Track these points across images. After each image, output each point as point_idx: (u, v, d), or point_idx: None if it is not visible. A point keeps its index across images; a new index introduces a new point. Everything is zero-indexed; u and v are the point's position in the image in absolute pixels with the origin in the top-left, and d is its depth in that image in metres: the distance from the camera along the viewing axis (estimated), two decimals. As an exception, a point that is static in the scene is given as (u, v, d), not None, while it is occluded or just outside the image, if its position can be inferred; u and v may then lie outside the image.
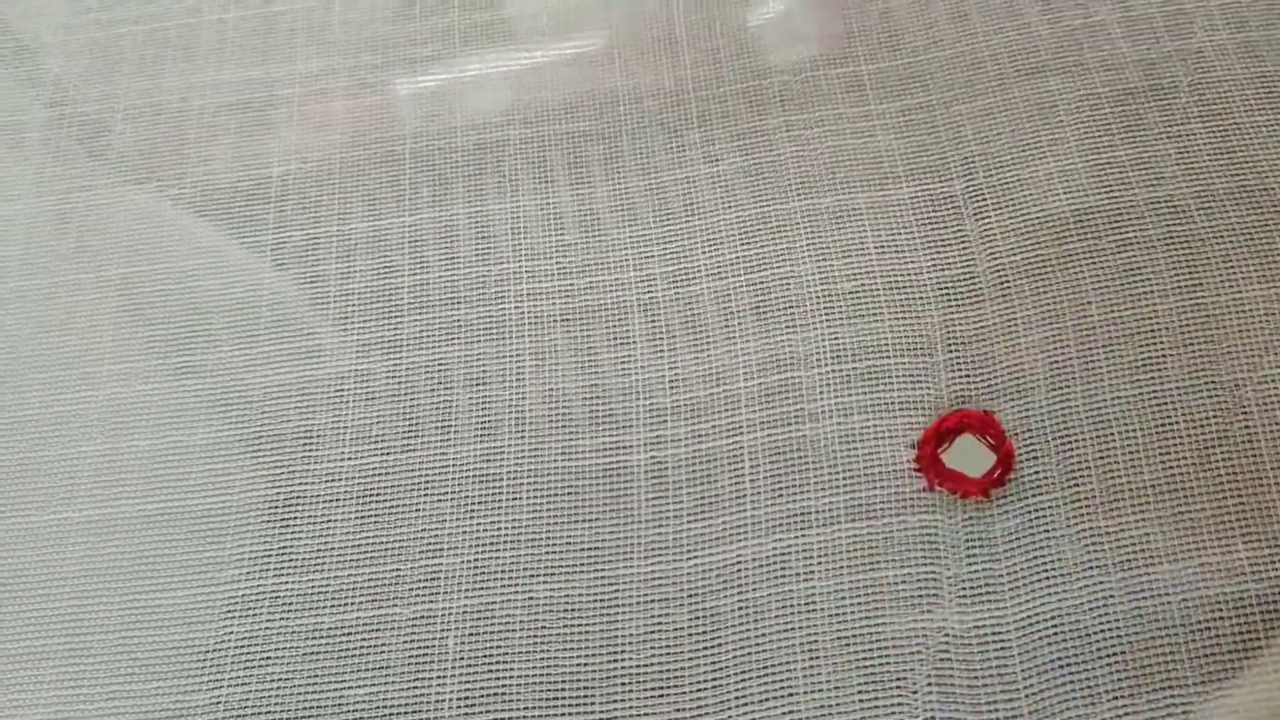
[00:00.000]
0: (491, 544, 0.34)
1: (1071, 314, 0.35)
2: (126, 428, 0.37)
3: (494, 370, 0.37)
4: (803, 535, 0.33)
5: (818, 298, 0.36)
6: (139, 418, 0.37)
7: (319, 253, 0.39)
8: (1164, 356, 0.34)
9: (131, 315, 0.39)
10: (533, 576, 0.33)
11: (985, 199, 0.37)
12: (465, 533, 0.34)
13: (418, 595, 0.34)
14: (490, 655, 0.33)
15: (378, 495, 0.35)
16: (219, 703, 0.33)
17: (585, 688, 0.32)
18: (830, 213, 0.38)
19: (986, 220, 0.37)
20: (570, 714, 0.32)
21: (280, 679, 0.33)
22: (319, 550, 0.34)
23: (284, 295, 0.39)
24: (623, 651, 0.32)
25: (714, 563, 0.33)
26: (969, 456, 0.34)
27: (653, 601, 0.33)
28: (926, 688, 0.31)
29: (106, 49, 0.44)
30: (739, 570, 0.33)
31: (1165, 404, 0.33)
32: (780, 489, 0.34)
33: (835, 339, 0.36)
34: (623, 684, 0.32)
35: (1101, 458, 0.33)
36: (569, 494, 0.35)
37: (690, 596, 0.33)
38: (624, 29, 0.42)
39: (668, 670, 0.32)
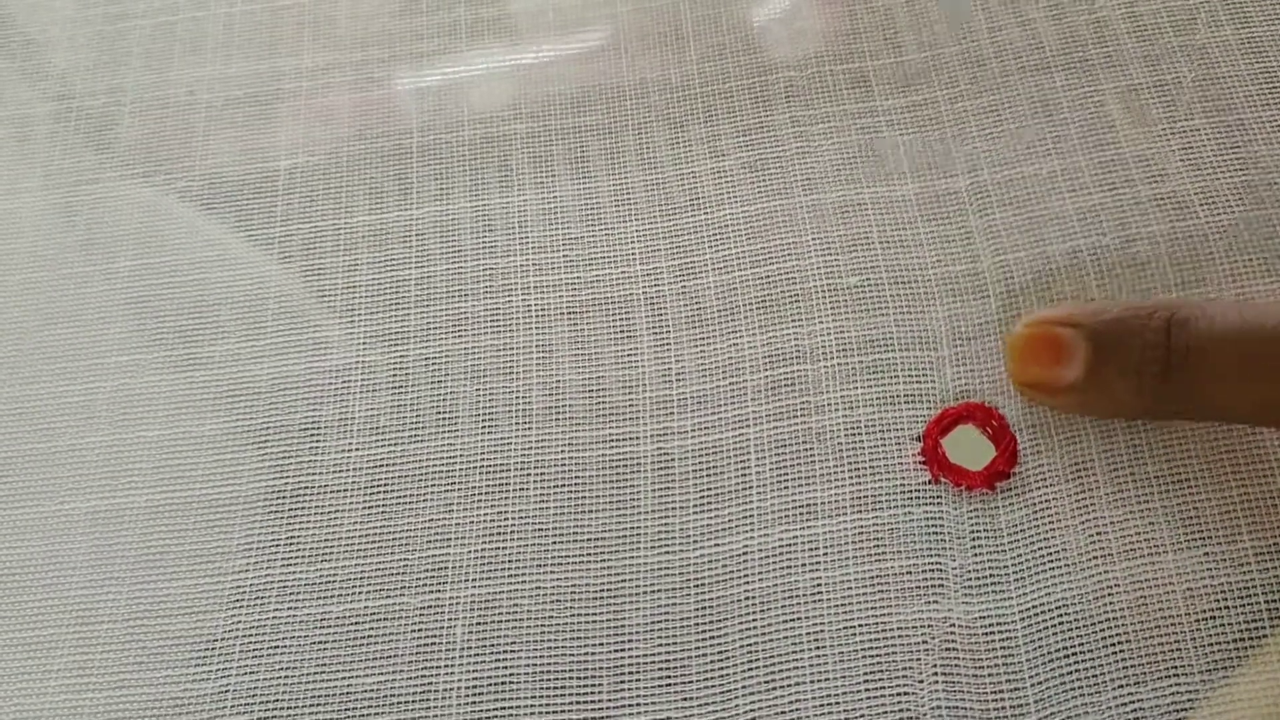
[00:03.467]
0: (498, 534, 0.34)
1: (1076, 308, 0.35)
2: (134, 419, 0.37)
3: (499, 363, 0.37)
4: (808, 526, 0.33)
5: (823, 292, 0.37)
6: (146, 409, 0.37)
7: (325, 246, 0.40)
8: (1168, 350, 0.34)
9: (138, 307, 0.39)
10: (540, 567, 0.34)
11: (990, 195, 0.38)
12: (472, 523, 0.34)
13: (425, 585, 0.34)
14: (497, 645, 0.33)
15: (384, 486, 0.35)
16: (226, 692, 0.33)
17: (591, 677, 0.32)
18: (835, 208, 0.38)
19: (991, 216, 0.37)
20: (576, 703, 0.32)
21: (287, 668, 0.33)
22: (326, 540, 0.35)
23: (290, 288, 0.39)
24: (629, 641, 0.32)
25: (720, 553, 0.33)
26: (974, 449, 0.34)
27: (659, 591, 0.33)
28: (932, 677, 0.31)
29: (113, 43, 0.45)
30: (745, 561, 0.33)
31: (1169, 396, 0.34)
32: (786, 481, 0.34)
33: (840, 333, 0.36)
34: (629, 673, 0.32)
35: (1106, 450, 0.33)
36: (575, 485, 0.35)
37: (696, 587, 0.33)
38: (630, 23, 0.43)
39: (673, 660, 0.32)
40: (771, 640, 0.32)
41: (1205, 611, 0.31)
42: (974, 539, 0.33)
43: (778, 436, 0.35)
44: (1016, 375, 0.33)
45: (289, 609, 0.34)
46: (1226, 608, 0.31)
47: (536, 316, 0.37)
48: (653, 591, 0.33)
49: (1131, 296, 0.35)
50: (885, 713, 0.31)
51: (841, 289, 0.37)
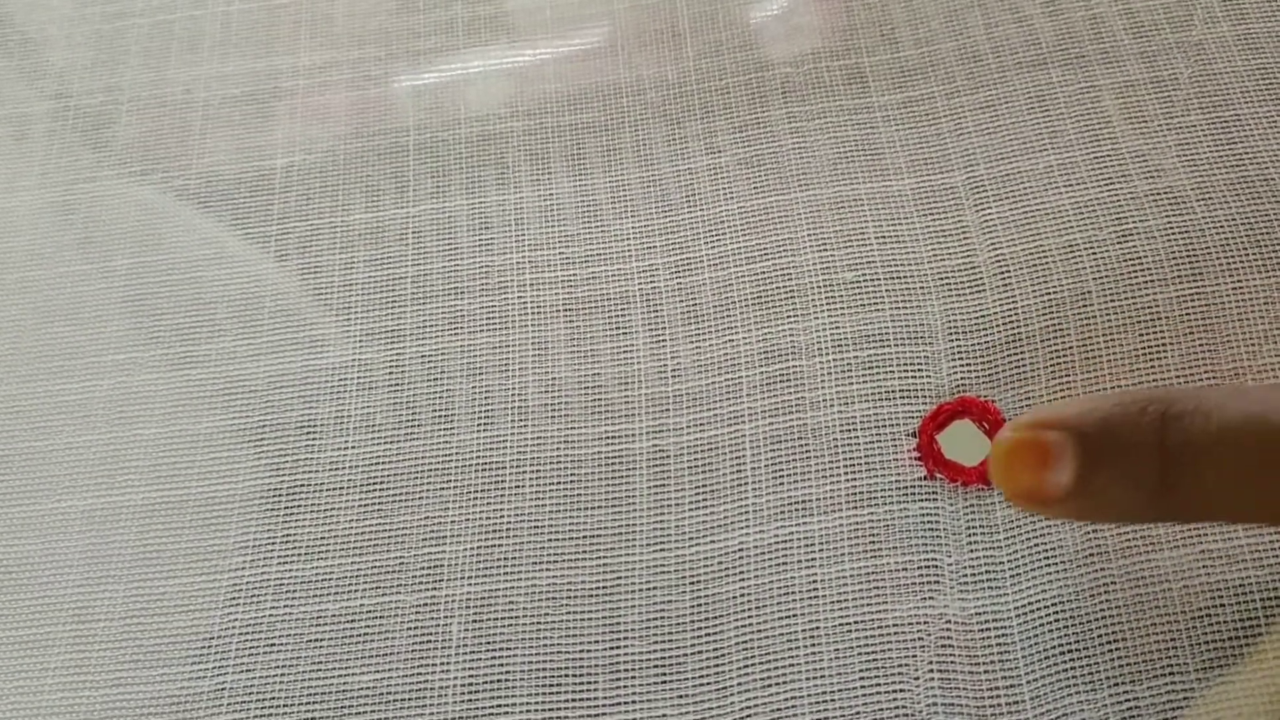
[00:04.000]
0: (494, 532, 0.34)
1: (1072, 303, 0.35)
2: (131, 417, 0.37)
3: (495, 360, 0.37)
4: (804, 523, 0.33)
5: (819, 287, 0.37)
6: (143, 407, 0.37)
7: (321, 244, 0.40)
8: (1164, 345, 0.34)
9: (136, 306, 0.39)
10: (535, 564, 0.34)
11: (986, 190, 0.38)
12: (468, 521, 0.34)
13: (421, 582, 0.34)
14: (493, 642, 0.33)
15: (380, 484, 0.35)
16: (223, 689, 0.33)
17: (587, 674, 0.32)
18: (831, 203, 0.38)
19: (987, 211, 0.37)
20: (572, 701, 0.32)
21: (284, 666, 0.33)
22: (322, 538, 0.35)
23: (286, 286, 0.39)
24: (625, 639, 0.32)
25: (715, 550, 0.33)
26: (969, 445, 0.34)
27: (654, 589, 0.33)
28: (928, 674, 0.31)
29: (111, 41, 0.45)
30: (740, 558, 0.33)
31: (1165, 392, 0.34)
32: (781, 477, 0.34)
33: (836, 328, 0.36)
34: (625, 671, 0.32)
35: (1102, 446, 0.33)
36: (570, 482, 0.35)
37: (692, 584, 0.33)
38: (627, 21, 0.43)
39: (669, 657, 0.32)
40: (767, 637, 0.32)
41: (1201, 609, 0.31)
42: (970, 535, 0.33)
43: (773, 432, 0.35)
44: (1003, 485, 0.29)
45: (285, 607, 0.34)
46: (1222, 605, 0.31)
47: (533, 314, 0.37)
48: (648, 589, 0.33)
49: (1127, 292, 0.35)
50: (881, 709, 0.31)
51: (837, 284, 0.37)
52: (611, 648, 0.32)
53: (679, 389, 0.36)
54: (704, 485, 0.34)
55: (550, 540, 0.34)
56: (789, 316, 0.36)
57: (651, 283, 0.37)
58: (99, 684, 0.33)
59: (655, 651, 0.32)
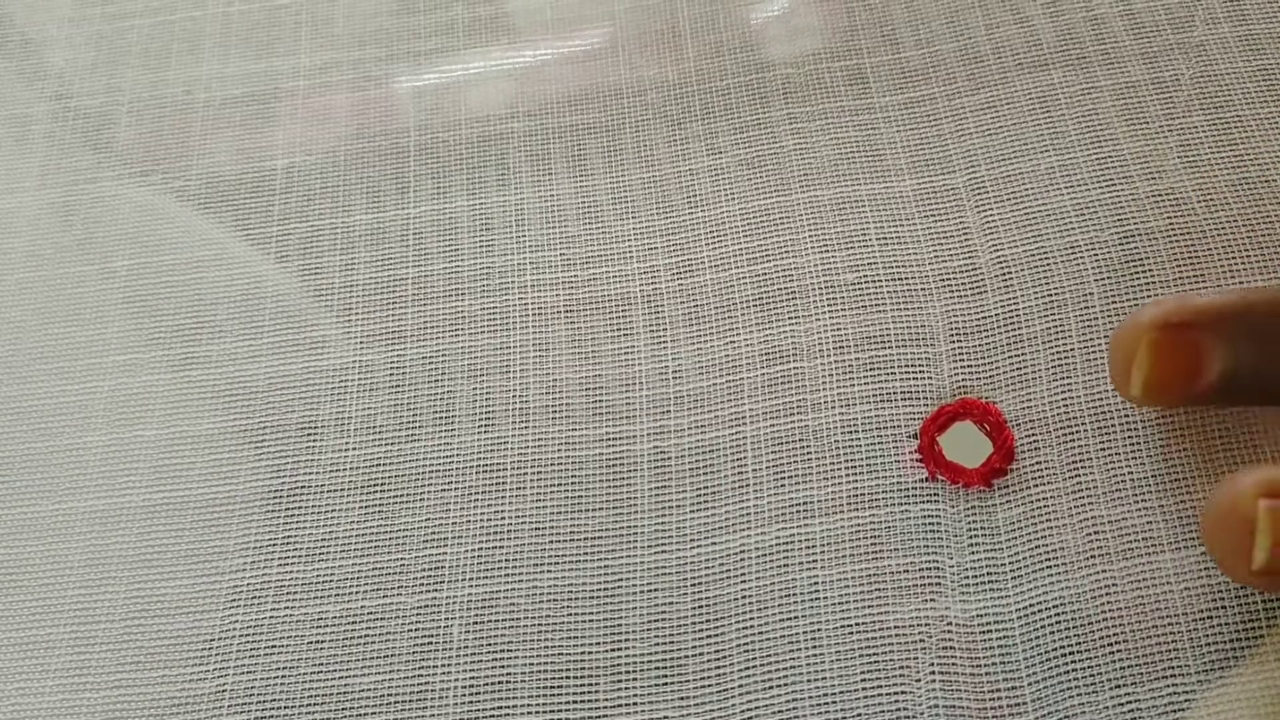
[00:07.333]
0: (495, 534, 0.34)
1: (1074, 305, 0.35)
2: (131, 418, 0.37)
3: (496, 361, 0.37)
4: (805, 525, 0.33)
5: (820, 289, 0.37)
6: (144, 408, 0.37)
7: (322, 245, 0.40)
8: (1166, 347, 0.34)
9: (136, 307, 0.39)
10: (536, 566, 0.34)
11: (988, 191, 0.37)
12: (469, 522, 0.34)
13: (422, 584, 0.34)
14: (494, 644, 0.33)
15: (381, 485, 0.35)
16: (223, 691, 0.33)
17: (589, 676, 0.32)
18: (832, 205, 0.38)
19: (989, 212, 0.37)
20: (573, 702, 0.32)
21: (285, 667, 0.33)
22: (323, 540, 0.35)
23: (287, 287, 0.39)
24: (626, 640, 0.32)
25: (716, 552, 0.33)
26: (971, 446, 0.34)
27: (655, 591, 0.33)
28: (929, 676, 0.31)
29: (112, 42, 0.45)
30: (741, 560, 0.33)
31: (1167, 394, 0.34)
32: (782, 479, 0.34)
33: (837, 330, 0.36)
34: (626, 672, 0.32)
35: (1103, 448, 0.33)
36: (572, 484, 0.35)
37: (693, 586, 0.33)
38: (628, 22, 0.42)
39: (670, 659, 0.32)
40: (768, 639, 0.32)
41: (1202, 610, 0.31)
42: (971, 537, 0.33)
43: (774, 434, 0.34)
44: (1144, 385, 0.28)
45: (286, 608, 0.34)
46: (1224, 607, 0.31)
47: (534, 315, 0.37)
48: (649, 590, 0.33)
49: (1129, 293, 0.35)
50: (882, 711, 0.31)
51: (838, 285, 0.37)
52: (613, 649, 0.32)
53: (680, 390, 0.36)
54: (705, 487, 0.34)
55: (551, 542, 0.34)
56: (790, 318, 0.36)
57: (653, 284, 0.37)
58: (100, 686, 0.33)
59: (657, 653, 0.32)
